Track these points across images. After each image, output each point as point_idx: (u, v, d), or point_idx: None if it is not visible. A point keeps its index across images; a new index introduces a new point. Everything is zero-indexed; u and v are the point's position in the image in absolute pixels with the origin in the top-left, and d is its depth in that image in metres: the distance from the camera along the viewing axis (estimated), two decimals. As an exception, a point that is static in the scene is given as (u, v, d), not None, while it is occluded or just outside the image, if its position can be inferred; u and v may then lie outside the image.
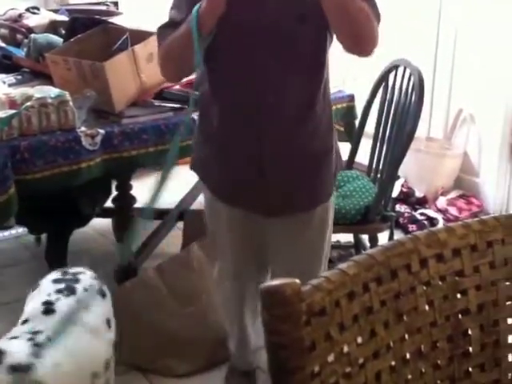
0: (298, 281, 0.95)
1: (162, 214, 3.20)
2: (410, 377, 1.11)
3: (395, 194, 3.71)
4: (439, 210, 3.91)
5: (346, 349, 1.02)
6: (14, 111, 2.38)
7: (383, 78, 2.93)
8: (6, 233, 3.59)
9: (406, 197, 3.98)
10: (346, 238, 3.20)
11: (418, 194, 4.01)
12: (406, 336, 1.11)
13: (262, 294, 0.93)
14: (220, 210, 2.05)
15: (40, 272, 3.12)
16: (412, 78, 2.71)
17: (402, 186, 3.99)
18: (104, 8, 3.53)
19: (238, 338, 2.34)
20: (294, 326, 0.92)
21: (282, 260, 2.06)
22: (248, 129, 1.87)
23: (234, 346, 2.37)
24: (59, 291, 1.88)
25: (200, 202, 3.73)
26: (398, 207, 3.81)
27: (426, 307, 1.14)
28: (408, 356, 1.11)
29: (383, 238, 2.83)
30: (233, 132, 1.89)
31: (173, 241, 3.23)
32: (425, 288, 1.14)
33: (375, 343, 1.06)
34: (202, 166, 2.05)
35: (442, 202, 3.94)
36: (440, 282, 1.16)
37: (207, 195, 2.11)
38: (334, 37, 1.84)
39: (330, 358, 1.00)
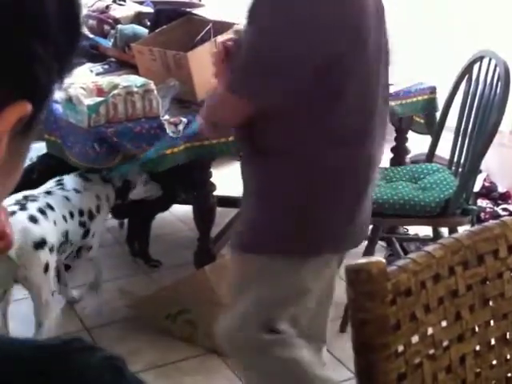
0: (383, 260, 0.95)
1: (237, 201, 3.24)
2: (494, 362, 1.10)
3: (477, 188, 3.64)
4: (522, 206, 3.81)
5: (430, 330, 1.03)
6: (101, 99, 2.46)
7: (467, 70, 2.87)
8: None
9: (488, 192, 3.89)
10: (425, 231, 3.16)
11: (501, 189, 3.92)
12: (492, 322, 1.11)
13: (348, 272, 0.94)
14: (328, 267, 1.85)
15: (121, 256, 3.24)
16: (497, 70, 2.65)
17: (485, 180, 3.91)
18: (187, 0, 3.59)
19: None
20: (379, 303, 0.93)
21: None
22: None
23: None
24: None
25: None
26: (479, 202, 3.73)
27: (513, 294, 1.13)
28: (493, 341, 1.10)
29: (463, 232, 2.78)
30: None
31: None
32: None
33: (460, 327, 1.06)
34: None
35: (525, 197, 3.84)
36: (528, 269, 1.14)
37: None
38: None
39: (415, 339, 1.00)
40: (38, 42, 0.46)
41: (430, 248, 1.04)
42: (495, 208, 3.79)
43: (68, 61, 0.51)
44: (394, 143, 3.29)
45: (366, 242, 2.89)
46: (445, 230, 2.95)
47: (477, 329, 1.08)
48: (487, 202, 3.83)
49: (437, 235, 3.05)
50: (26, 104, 0.47)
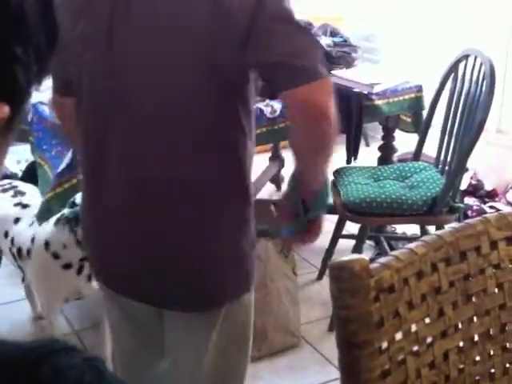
0: (366, 257, 0.96)
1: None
2: (478, 358, 1.11)
3: (464, 186, 3.66)
4: (509, 204, 3.83)
5: (413, 327, 1.03)
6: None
7: (453, 68, 2.89)
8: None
9: (475, 190, 3.91)
10: (412, 229, 3.18)
11: (488, 186, 3.94)
12: (475, 318, 1.11)
13: (331, 269, 0.94)
14: None
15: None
16: (483, 68, 2.67)
17: (471, 178, 3.93)
18: None
19: None
20: (362, 300, 0.94)
21: None
22: None
23: None
24: None
25: (267, 190, 3.79)
26: (466, 200, 3.75)
27: (496, 290, 1.14)
28: (476, 337, 1.11)
29: (451, 229, 2.79)
30: None
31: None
32: (494, 270, 1.13)
33: (443, 323, 1.07)
34: None
35: (512, 195, 3.87)
36: (510, 265, 1.15)
37: None
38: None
39: (398, 336, 1.01)
40: (18, 43, 0.46)
41: (412, 245, 1.04)
42: (482, 206, 3.81)
43: (47, 62, 0.51)
44: (381, 142, 3.31)
45: (354, 242, 2.91)
46: (432, 229, 2.96)
47: (460, 325, 1.09)
48: (474, 199, 3.85)
49: (424, 233, 3.07)
50: (4, 106, 0.47)
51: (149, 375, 1.78)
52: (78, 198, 2.22)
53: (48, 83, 2.12)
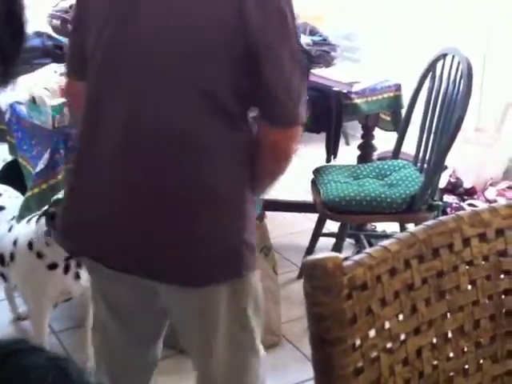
0: (339, 255, 0.97)
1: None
2: (451, 354, 1.12)
3: (443, 184, 3.68)
4: (488, 201, 3.86)
5: (387, 324, 1.04)
6: (65, 99, 2.44)
7: (431, 67, 2.91)
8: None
9: (454, 187, 3.94)
10: (392, 227, 3.19)
11: (467, 184, 3.97)
12: (448, 314, 1.12)
13: (304, 267, 0.95)
14: None
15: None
16: (460, 67, 2.69)
17: (450, 176, 3.96)
18: None
19: None
20: (335, 298, 0.94)
21: None
22: None
23: None
24: None
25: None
26: (445, 198, 3.77)
27: (469, 286, 1.14)
28: (450, 334, 1.12)
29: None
30: None
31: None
32: (467, 267, 1.14)
33: (416, 320, 1.07)
34: None
35: (491, 192, 3.89)
36: (483, 262, 1.16)
37: None
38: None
39: (371, 333, 1.01)
40: None
41: (385, 242, 1.05)
42: (461, 203, 3.83)
43: (12, 65, 0.51)
44: (361, 141, 3.32)
45: (334, 240, 2.92)
46: (412, 226, 2.98)
47: (433, 321, 1.10)
48: (453, 197, 3.88)
49: (403, 231, 3.09)
50: None
51: (136, 367, 1.83)
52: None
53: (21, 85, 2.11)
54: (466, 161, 3.94)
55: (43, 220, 2.23)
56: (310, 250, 3.11)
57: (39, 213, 2.29)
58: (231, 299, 1.57)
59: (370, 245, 3.19)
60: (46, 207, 2.26)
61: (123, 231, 1.50)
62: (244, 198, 1.54)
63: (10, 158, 3.00)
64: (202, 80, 1.42)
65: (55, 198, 2.24)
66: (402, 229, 3.06)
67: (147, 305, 1.67)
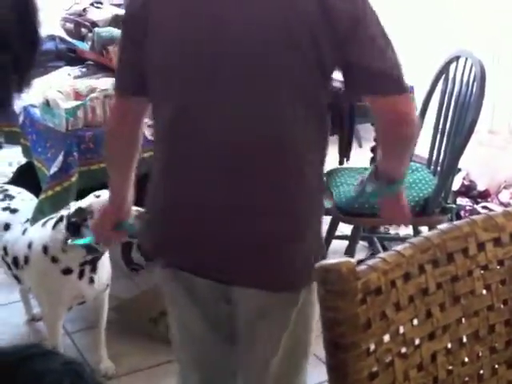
0: (353, 259, 0.96)
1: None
2: (466, 359, 1.11)
3: (456, 187, 3.67)
4: (502, 204, 3.84)
5: (401, 329, 1.03)
6: (79, 102, 2.46)
7: (444, 70, 2.90)
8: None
9: (468, 190, 3.93)
10: (405, 230, 3.18)
11: (480, 187, 3.96)
12: (463, 319, 1.12)
13: (318, 272, 0.95)
14: None
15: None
16: (473, 70, 2.68)
17: (464, 179, 3.94)
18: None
19: None
20: (349, 302, 0.94)
21: None
22: None
23: None
24: None
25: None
26: (459, 200, 3.76)
27: (484, 291, 1.14)
28: (464, 339, 1.11)
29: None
30: None
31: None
32: (482, 272, 1.14)
33: (431, 324, 1.07)
34: None
35: (505, 195, 3.88)
36: (498, 267, 1.15)
37: None
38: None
39: (386, 338, 1.01)
40: None
41: (399, 247, 1.05)
42: (475, 206, 3.82)
43: (27, 72, 0.51)
44: (373, 143, 3.31)
45: (347, 243, 2.92)
46: (425, 229, 2.97)
47: (448, 326, 1.09)
48: (467, 200, 3.87)
49: (417, 234, 3.08)
50: None
51: (220, 362, 1.78)
52: (83, 204, 2.19)
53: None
54: (480, 163, 3.92)
55: (61, 226, 2.23)
56: (323, 252, 3.10)
57: (55, 217, 2.28)
58: (304, 303, 1.56)
59: (384, 247, 3.18)
60: (66, 214, 2.22)
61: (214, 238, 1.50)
62: (321, 201, 1.58)
63: (23, 160, 3.01)
64: (292, 75, 1.41)
65: (77, 207, 2.19)
66: (416, 231, 3.05)
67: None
